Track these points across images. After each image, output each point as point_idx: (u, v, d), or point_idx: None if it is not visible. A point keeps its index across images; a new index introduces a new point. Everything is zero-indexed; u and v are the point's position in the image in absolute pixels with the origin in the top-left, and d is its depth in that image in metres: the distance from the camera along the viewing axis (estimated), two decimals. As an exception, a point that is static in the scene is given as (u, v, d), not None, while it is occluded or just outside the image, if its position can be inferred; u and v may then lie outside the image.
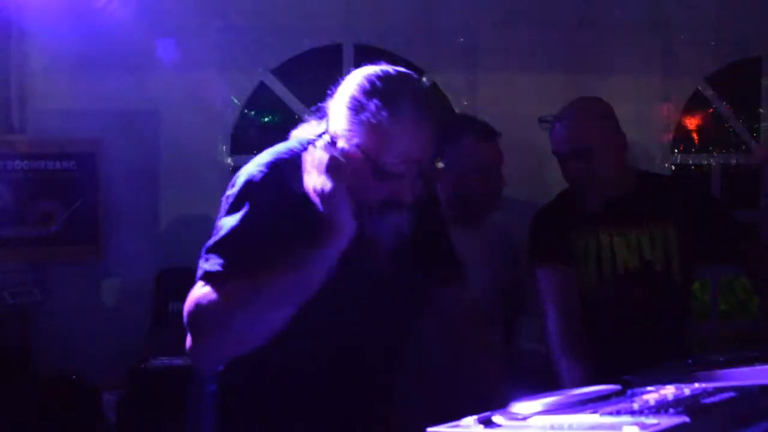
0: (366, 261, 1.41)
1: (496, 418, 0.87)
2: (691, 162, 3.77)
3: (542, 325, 2.12)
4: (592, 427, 0.74)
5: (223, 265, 1.37)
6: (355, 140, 1.35)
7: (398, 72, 1.43)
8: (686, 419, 0.69)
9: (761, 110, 3.66)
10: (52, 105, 3.14)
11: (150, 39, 3.16)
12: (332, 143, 1.38)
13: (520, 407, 0.90)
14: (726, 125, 3.78)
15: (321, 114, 1.46)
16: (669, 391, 0.88)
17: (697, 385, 0.93)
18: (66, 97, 3.13)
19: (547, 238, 2.18)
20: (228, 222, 1.41)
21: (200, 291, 1.36)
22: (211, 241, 1.42)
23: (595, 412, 0.79)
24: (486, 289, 2.29)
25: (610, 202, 2.13)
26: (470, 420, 0.87)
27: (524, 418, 0.86)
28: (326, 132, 1.41)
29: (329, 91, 1.45)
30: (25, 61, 3.13)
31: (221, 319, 1.32)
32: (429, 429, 0.90)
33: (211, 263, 1.39)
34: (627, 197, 2.14)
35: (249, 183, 1.42)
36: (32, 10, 3.09)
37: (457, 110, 3.36)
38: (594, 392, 0.92)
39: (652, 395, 0.87)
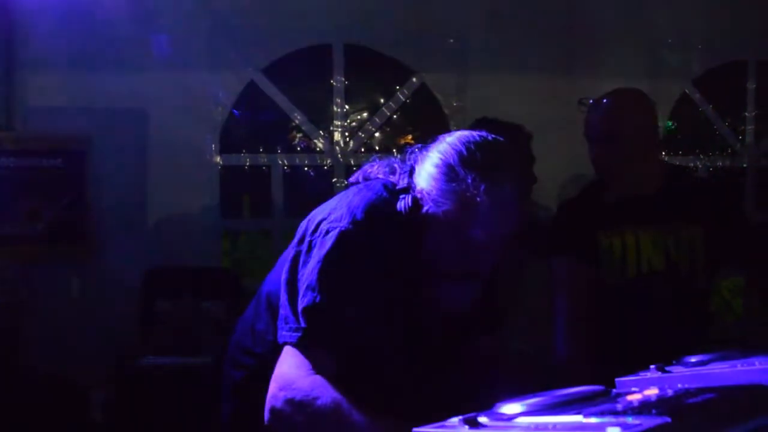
0: (427, 321, 1.40)
1: (482, 419, 0.87)
2: (677, 164, 3.79)
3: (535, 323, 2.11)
4: (576, 428, 0.75)
5: (319, 338, 1.28)
6: (445, 208, 1.31)
7: (497, 143, 1.37)
8: (668, 419, 0.70)
9: (747, 113, 3.69)
10: (40, 102, 3.13)
11: (140, 37, 3.15)
12: (417, 203, 1.32)
13: (505, 408, 0.90)
14: (713, 128, 3.81)
15: (403, 160, 1.40)
16: (653, 392, 0.89)
17: (680, 386, 0.94)
18: (54, 94, 3.12)
19: (569, 230, 2.15)
20: (324, 285, 1.29)
21: (303, 382, 1.25)
22: (305, 303, 1.30)
23: (579, 413, 0.80)
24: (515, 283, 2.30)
25: (637, 199, 2.09)
26: (455, 420, 0.88)
27: (509, 419, 0.87)
28: (412, 187, 1.35)
29: (416, 150, 1.38)
30: (13, 58, 3.11)
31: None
32: (415, 429, 0.91)
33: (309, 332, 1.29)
34: (655, 195, 2.09)
35: (344, 238, 1.31)
36: (21, 7, 3.08)
37: (446, 111, 3.37)
38: (579, 393, 0.93)
39: (635, 396, 0.88)
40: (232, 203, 3.53)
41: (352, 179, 1.51)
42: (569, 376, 1.96)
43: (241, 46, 3.25)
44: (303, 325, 1.29)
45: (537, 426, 0.79)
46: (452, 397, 1.56)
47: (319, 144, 3.50)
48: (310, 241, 1.35)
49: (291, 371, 1.27)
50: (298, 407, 1.24)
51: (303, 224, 1.42)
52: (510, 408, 0.90)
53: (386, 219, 1.34)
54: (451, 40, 3.33)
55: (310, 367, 1.26)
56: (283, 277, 1.36)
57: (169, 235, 3.20)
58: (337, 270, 1.30)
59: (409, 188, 1.36)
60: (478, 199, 1.28)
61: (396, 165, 1.43)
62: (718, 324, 3.51)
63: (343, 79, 3.37)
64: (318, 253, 1.32)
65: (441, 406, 0.97)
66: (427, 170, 1.34)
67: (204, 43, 3.22)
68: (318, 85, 3.47)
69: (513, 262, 2.30)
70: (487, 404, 0.95)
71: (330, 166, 3.47)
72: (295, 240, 1.40)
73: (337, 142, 3.43)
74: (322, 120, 3.49)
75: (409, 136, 3.65)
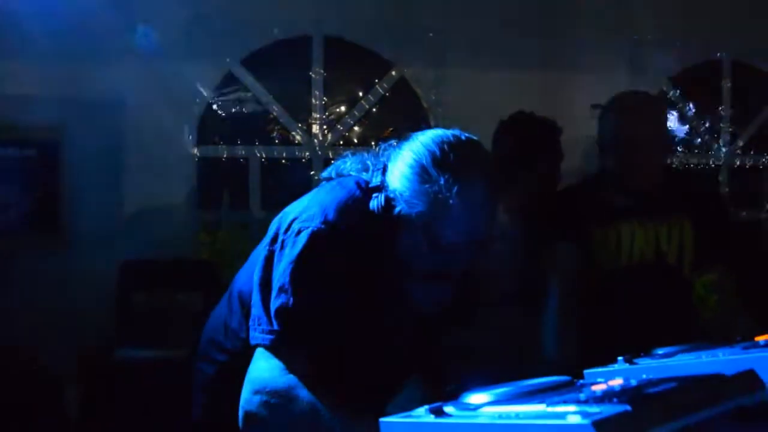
0: (401, 320, 1.39)
1: (448, 408, 0.88)
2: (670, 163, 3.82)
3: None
4: (538, 416, 0.75)
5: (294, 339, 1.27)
6: (418, 209, 1.29)
7: (471, 143, 1.35)
8: (627, 408, 0.71)
9: (722, 111, 3.74)
10: (12, 91, 3.08)
11: (117, 27, 3.11)
12: (389, 203, 1.31)
13: (471, 398, 0.91)
14: (689, 124, 3.86)
15: (377, 156, 1.39)
16: (617, 382, 0.89)
17: (644, 376, 0.95)
18: (28, 83, 3.07)
19: (566, 218, 2.18)
20: (296, 287, 1.28)
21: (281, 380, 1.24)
22: (277, 305, 1.29)
23: (542, 402, 0.81)
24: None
25: (637, 195, 2.13)
26: (422, 410, 0.88)
27: (475, 408, 0.87)
28: (385, 186, 1.33)
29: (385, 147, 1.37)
30: (-14, 46, 3.07)
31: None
32: (382, 419, 0.91)
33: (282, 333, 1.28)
34: (653, 191, 2.14)
35: (316, 238, 1.29)
36: (-6, -5, 3.03)
37: (425, 104, 3.38)
38: (544, 383, 0.94)
39: (599, 386, 0.89)
40: (209, 195, 3.50)
41: (324, 175, 1.49)
42: (556, 367, 1.99)
43: (219, 37, 3.22)
44: (276, 327, 1.27)
45: (501, 415, 0.79)
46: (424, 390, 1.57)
47: (298, 136, 3.49)
48: (283, 241, 1.33)
49: (264, 374, 1.26)
50: (273, 409, 1.23)
51: (275, 222, 1.40)
52: (476, 398, 0.91)
53: (359, 218, 1.33)
54: (431, 34, 3.33)
55: (284, 368, 1.25)
56: (256, 276, 1.35)
57: (145, 226, 3.18)
58: (309, 271, 1.29)
59: (382, 186, 1.34)
60: (451, 201, 1.26)
61: (369, 162, 1.41)
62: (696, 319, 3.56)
63: (322, 71, 3.37)
64: (290, 254, 1.30)
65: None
66: (400, 170, 1.32)
67: (182, 33, 3.19)
68: (297, 77, 3.46)
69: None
70: (456, 395, 0.96)
71: (308, 158, 3.46)
72: (268, 238, 1.38)
73: (316, 135, 3.42)
74: (300, 112, 3.48)
75: (388, 130, 3.64)
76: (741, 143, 3.82)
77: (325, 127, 3.45)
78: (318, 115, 3.41)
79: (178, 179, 3.24)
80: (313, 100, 3.39)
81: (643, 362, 1.17)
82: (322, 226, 1.30)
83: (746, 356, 1.04)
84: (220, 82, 3.30)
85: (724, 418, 0.80)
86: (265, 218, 1.47)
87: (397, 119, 3.83)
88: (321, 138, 3.43)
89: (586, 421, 0.68)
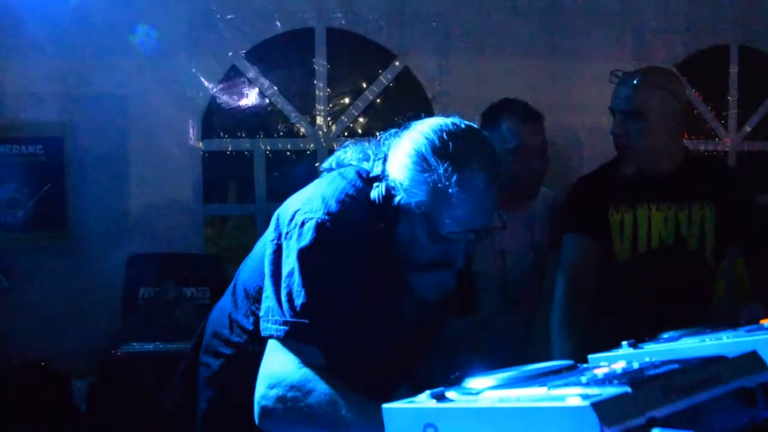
0: (402, 309, 1.39)
1: (449, 393, 0.88)
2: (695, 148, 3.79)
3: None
4: (539, 399, 0.75)
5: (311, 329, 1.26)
6: (417, 199, 1.29)
7: (471, 131, 1.34)
8: (628, 390, 0.71)
9: (729, 97, 3.71)
10: (17, 88, 3.09)
11: (120, 22, 3.11)
12: (390, 192, 1.31)
13: (473, 382, 0.91)
14: (695, 112, 3.83)
15: (374, 144, 1.39)
16: (619, 365, 0.89)
17: (647, 359, 0.94)
18: (32, 80, 3.08)
19: (581, 207, 2.18)
20: (307, 278, 1.28)
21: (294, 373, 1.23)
22: (288, 296, 1.28)
23: (544, 386, 0.81)
24: (529, 270, 2.29)
25: (653, 176, 2.13)
26: (424, 395, 0.88)
27: (477, 393, 0.87)
28: (385, 176, 1.32)
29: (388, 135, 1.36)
30: (-9, 44, 3.07)
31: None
32: (384, 405, 0.91)
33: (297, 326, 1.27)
34: (671, 174, 2.13)
35: (321, 229, 1.29)
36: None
37: (429, 94, 3.36)
38: (546, 368, 0.93)
39: (601, 369, 0.89)
40: (214, 189, 3.50)
41: (325, 165, 1.49)
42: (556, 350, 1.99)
43: (222, 30, 3.22)
44: (289, 318, 1.27)
45: (501, 398, 0.79)
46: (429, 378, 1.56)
47: (302, 128, 3.48)
48: (288, 233, 1.33)
49: (279, 367, 1.25)
50: (291, 403, 1.22)
51: (277, 214, 1.40)
52: (478, 382, 0.91)
53: (360, 208, 1.32)
54: (434, 24, 3.31)
55: (299, 360, 1.25)
56: (267, 269, 1.34)
57: (151, 221, 3.18)
58: (317, 262, 1.29)
59: (382, 176, 1.34)
60: (451, 190, 1.26)
61: (370, 151, 1.41)
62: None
63: (326, 63, 3.36)
64: (296, 246, 1.30)
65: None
66: (399, 159, 1.32)
67: (185, 27, 3.18)
68: (300, 69, 3.45)
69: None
70: (458, 380, 0.96)
71: (313, 150, 3.46)
72: (271, 231, 1.38)
73: (320, 127, 3.42)
74: (304, 104, 3.47)
75: (392, 120, 3.62)
76: (748, 129, 3.79)
77: (329, 118, 3.45)
78: (322, 107, 3.41)
79: (183, 173, 3.24)
80: (317, 92, 3.38)
81: (647, 346, 1.16)
82: (326, 217, 1.30)
83: (750, 339, 1.04)
84: (224, 75, 3.30)
85: (726, 400, 0.80)
86: (271, 211, 1.47)
87: (401, 110, 3.82)
88: (325, 130, 3.42)
89: (585, 403, 0.67)
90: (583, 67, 3.35)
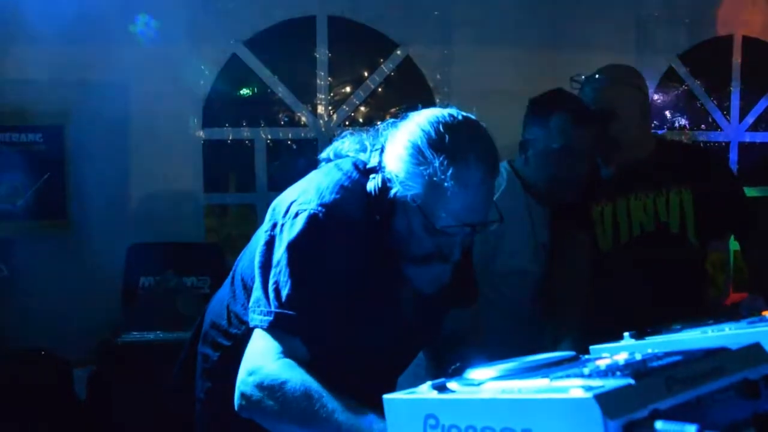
0: (400, 302, 1.38)
1: (451, 385, 0.87)
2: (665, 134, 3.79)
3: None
4: (541, 391, 0.75)
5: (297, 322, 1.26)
6: (413, 192, 1.27)
7: (468, 123, 1.31)
8: (631, 381, 0.70)
9: (732, 88, 3.69)
10: (17, 76, 3.07)
11: (120, 10, 3.09)
12: (385, 185, 1.29)
13: (475, 373, 0.90)
14: (698, 102, 3.81)
15: (372, 135, 1.37)
16: (621, 356, 0.89)
17: (650, 351, 0.94)
18: (32, 68, 3.06)
19: (565, 205, 2.18)
20: (294, 269, 1.27)
21: (276, 369, 1.23)
22: (275, 287, 1.27)
23: (546, 377, 0.80)
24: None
25: (628, 167, 2.16)
26: (425, 386, 0.88)
27: (478, 384, 0.87)
28: (382, 167, 1.31)
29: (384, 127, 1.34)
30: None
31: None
32: (385, 396, 0.91)
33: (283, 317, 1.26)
34: (645, 162, 2.17)
35: (313, 220, 1.28)
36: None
37: (431, 83, 3.35)
38: (549, 359, 0.93)
39: (604, 361, 0.88)
40: (215, 178, 3.50)
41: (323, 156, 1.48)
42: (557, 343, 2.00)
43: (223, 19, 3.20)
44: (274, 309, 1.27)
45: (503, 390, 0.79)
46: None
47: (303, 117, 3.47)
48: (282, 224, 1.32)
49: (260, 355, 1.26)
50: (268, 391, 1.21)
51: (274, 205, 1.39)
52: (479, 373, 0.90)
53: (355, 200, 1.31)
54: (436, 13, 3.29)
55: (280, 350, 1.25)
56: (258, 260, 1.34)
57: (151, 210, 3.18)
58: (306, 254, 1.28)
59: (379, 167, 1.33)
60: (446, 183, 1.24)
61: (367, 142, 1.39)
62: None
63: (327, 51, 3.34)
64: (287, 237, 1.29)
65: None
66: (395, 151, 1.30)
67: (186, 15, 3.16)
68: (301, 57, 3.44)
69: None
70: (460, 372, 0.95)
71: (314, 139, 3.45)
72: (267, 223, 1.37)
73: (321, 116, 3.41)
74: (305, 93, 3.46)
75: (394, 109, 3.61)
76: (750, 120, 3.78)
77: (330, 107, 3.43)
78: (323, 96, 3.39)
79: (184, 162, 3.23)
80: (318, 81, 3.37)
81: (650, 337, 1.16)
82: (320, 209, 1.29)
83: (753, 330, 1.04)
84: (225, 64, 3.28)
85: (729, 392, 0.79)
86: (271, 200, 1.46)
87: (403, 99, 3.81)
88: (326, 119, 3.41)
89: (588, 395, 0.67)
90: (585, 57, 3.33)
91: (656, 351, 0.89)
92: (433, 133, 1.27)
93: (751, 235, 2.23)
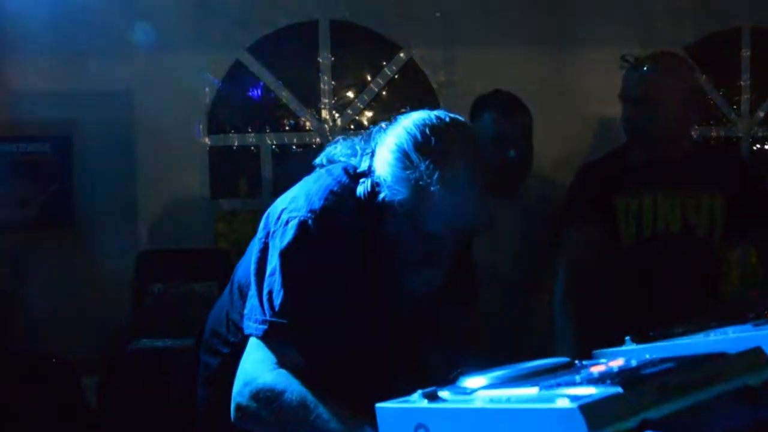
0: (392, 303, 1.36)
1: (442, 393, 0.86)
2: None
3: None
4: (529, 400, 0.73)
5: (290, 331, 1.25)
6: (400, 196, 1.25)
7: (455, 125, 1.29)
8: (620, 390, 0.69)
9: (741, 82, 3.64)
10: (24, 87, 3.10)
11: (124, 19, 3.11)
12: (374, 189, 1.28)
13: (467, 381, 0.89)
14: (706, 97, 3.76)
15: (364, 139, 1.36)
16: (616, 363, 0.87)
17: (647, 356, 0.92)
18: (39, 78, 3.09)
19: (585, 193, 2.16)
20: (286, 277, 1.27)
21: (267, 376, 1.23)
22: (268, 296, 1.27)
23: (536, 385, 0.79)
24: (520, 257, 2.27)
25: (662, 164, 2.10)
26: (416, 395, 0.86)
27: (470, 393, 0.86)
28: (372, 171, 1.30)
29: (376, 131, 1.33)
30: (-3, 42, 3.08)
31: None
32: (377, 405, 0.90)
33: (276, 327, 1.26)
34: (680, 161, 2.12)
35: (303, 227, 1.27)
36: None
37: (434, 85, 3.33)
38: (542, 365, 0.91)
39: (598, 368, 0.87)
40: (221, 184, 3.51)
41: (316, 161, 1.47)
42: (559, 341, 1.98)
43: (226, 25, 3.21)
44: (268, 317, 1.26)
45: (492, 399, 0.78)
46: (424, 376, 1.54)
47: (308, 122, 3.47)
48: (273, 232, 1.32)
49: (255, 366, 1.25)
50: (264, 402, 1.21)
51: (268, 212, 1.38)
52: (472, 382, 0.89)
53: (345, 205, 1.30)
54: (438, 14, 3.28)
55: (275, 360, 1.24)
56: (252, 268, 1.33)
57: (159, 217, 3.19)
58: (298, 261, 1.28)
59: (369, 172, 1.31)
60: (432, 188, 1.22)
61: (358, 147, 1.38)
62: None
63: (330, 55, 3.34)
64: (279, 244, 1.29)
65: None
66: (384, 155, 1.29)
67: (189, 22, 3.17)
68: (305, 62, 3.43)
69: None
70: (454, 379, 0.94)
71: (319, 144, 3.44)
72: (261, 230, 1.37)
73: (326, 120, 3.40)
74: (309, 98, 3.46)
75: (398, 112, 3.60)
76: (761, 114, 3.72)
77: (334, 111, 3.43)
78: (327, 100, 3.39)
79: (190, 169, 3.25)
80: (322, 85, 3.37)
81: (651, 342, 1.14)
82: (309, 215, 1.28)
83: (755, 334, 1.01)
84: (229, 70, 3.29)
85: (726, 399, 0.77)
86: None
87: (407, 101, 3.80)
88: (331, 123, 3.41)
89: (573, 405, 0.65)
90: (589, 52, 3.31)
91: (654, 357, 0.88)
92: (419, 137, 1.26)
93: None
